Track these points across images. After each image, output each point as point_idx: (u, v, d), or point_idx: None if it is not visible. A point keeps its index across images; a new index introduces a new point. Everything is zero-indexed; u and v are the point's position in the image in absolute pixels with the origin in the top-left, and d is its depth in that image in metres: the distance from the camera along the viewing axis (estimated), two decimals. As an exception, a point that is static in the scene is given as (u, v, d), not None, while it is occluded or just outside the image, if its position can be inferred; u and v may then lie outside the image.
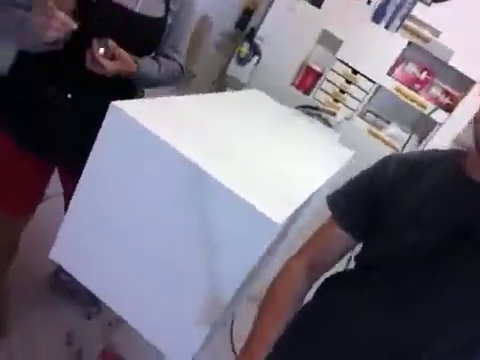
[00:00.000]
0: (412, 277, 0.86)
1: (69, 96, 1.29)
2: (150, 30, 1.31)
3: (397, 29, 1.45)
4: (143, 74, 1.28)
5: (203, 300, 1.02)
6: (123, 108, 1.02)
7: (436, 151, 0.98)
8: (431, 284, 0.84)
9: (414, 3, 1.44)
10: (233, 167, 1.07)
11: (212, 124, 1.24)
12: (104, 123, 1.03)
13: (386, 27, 1.39)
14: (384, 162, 0.97)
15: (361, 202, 0.95)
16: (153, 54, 1.37)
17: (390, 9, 1.29)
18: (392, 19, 1.36)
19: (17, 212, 1.45)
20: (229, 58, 2.60)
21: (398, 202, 0.90)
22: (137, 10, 1.24)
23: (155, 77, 1.35)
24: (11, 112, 1.30)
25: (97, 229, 1.15)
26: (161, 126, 1.03)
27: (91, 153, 1.08)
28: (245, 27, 2.52)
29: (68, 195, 1.32)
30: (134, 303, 1.12)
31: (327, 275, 1.03)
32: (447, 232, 0.82)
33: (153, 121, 1.03)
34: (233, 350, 2.05)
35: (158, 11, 1.30)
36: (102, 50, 1.17)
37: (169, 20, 1.33)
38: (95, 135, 1.06)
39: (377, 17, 1.30)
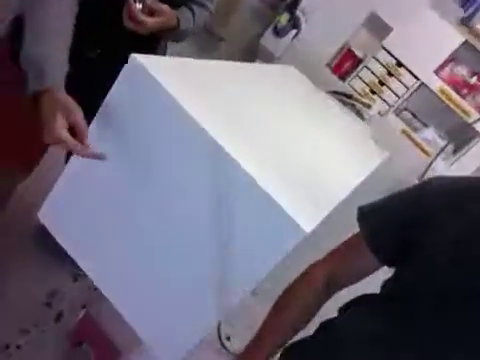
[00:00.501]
0: (432, 320, 0.76)
1: (98, 51, 1.16)
2: None
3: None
4: (182, 28, 1.13)
5: (206, 298, 0.89)
6: (143, 63, 0.87)
7: None
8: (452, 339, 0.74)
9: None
10: (259, 154, 0.92)
11: (239, 98, 1.08)
12: (120, 75, 0.88)
13: (469, 18, 1.21)
14: (425, 187, 0.86)
15: (393, 226, 0.84)
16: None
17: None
18: (476, 11, 1.17)
19: (20, 168, 1.34)
20: (264, 28, 2.40)
21: (436, 233, 0.79)
22: None
23: (189, 30, 1.19)
24: None
25: (95, 194, 1.01)
26: (182, 90, 0.87)
27: (102, 106, 0.93)
28: (288, -4, 2.31)
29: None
30: (125, 288, 0.99)
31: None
32: None
33: (174, 83, 0.87)
34: (220, 338, 1.96)
35: None
36: (139, 6, 1.02)
37: None
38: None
39: (465, 5, 1.12)
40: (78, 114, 0.87)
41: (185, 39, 1.28)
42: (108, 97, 0.91)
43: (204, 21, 1.27)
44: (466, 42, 1.95)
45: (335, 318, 0.92)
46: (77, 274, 1.82)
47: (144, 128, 0.89)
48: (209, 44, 2.29)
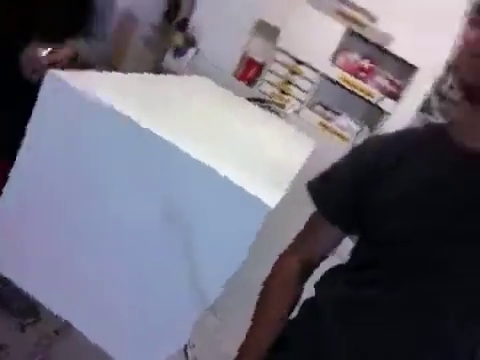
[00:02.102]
0: (406, 273, 0.77)
1: None
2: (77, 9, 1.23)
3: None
4: (81, 59, 1.20)
5: (178, 302, 0.81)
6: (62, 77, 0.82)
7: (415, 129, 0.92)
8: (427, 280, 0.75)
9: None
10: (203, 143, 0.87)
11: (165, 100, 1.04)
12: (40, 95, 0.84)
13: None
14: (366, 146, 0.88)
15: (345, 192, 0.84)
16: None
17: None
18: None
19: None
20: (162, 52, 2.37)
21: (388, 188, 0.80)
22: None
23: (91, 61, 1.28)
24: None
25: (37, 219, 0.91)
26: (107, 95, 0.82)
27: (27, 130, 0.87)
28: (175, 18, 2.31)
29: None
30: (86, 308, 0.89)
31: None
32: (446, 217, 0.74)
33: (97, 90, 0.83)
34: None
35: None
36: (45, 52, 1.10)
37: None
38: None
39: None
40: None
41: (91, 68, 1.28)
42: (31, 122, 0.85)
43: (105, 55, 1.38)
44: (349, 30, 2.09)
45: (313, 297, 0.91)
46: (25, 323, 1.63)
47: (77, 141, 0.83)
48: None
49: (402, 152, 0.81)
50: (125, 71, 2.35)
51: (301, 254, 0.89)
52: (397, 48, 2.07)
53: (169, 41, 2.25)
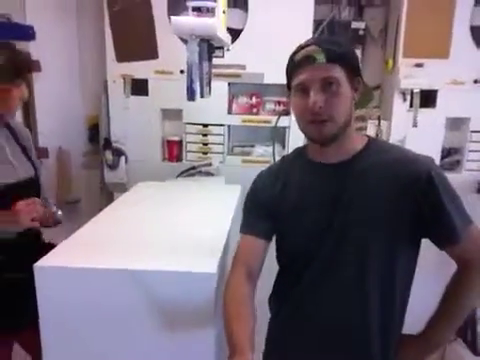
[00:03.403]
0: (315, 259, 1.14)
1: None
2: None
3: (210, 92, 1.80)
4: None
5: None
6: (48, 264, 1.14)
7: (292, 152, 1.32)
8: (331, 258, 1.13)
9: (211, 66, 1.80)
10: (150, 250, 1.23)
11: (121, 232, 1.44)
12: (37, 288, 1.12)
13: (202, 96, 1.71)
14: (255, 181, 1.28)
15: (257, 215, 1.22)
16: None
17: (196, 82, 1.61)
18: (203, 88, 1.68)
19: None
20: (100, 171, 2.80)
21: (281, 204, 1.18)
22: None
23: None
24: None
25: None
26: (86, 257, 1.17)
27: (40, 320, 1.15)
28: (98, 140, 2.76)
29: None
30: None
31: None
32: (321, 206, 1.12)
33: (77, 258, 1.17)
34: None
35: (30, 170, 1.61)
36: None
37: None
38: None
39: (191, 95, 1.61)
40: None
41: None
42: (40, 311, 1.13)
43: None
44: (229, 83, 2.61)
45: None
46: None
47: (87, 308, 1.14)
48: (70, 212, 2.61)
49: (283, 175, 1.20)
50: (79, 198, 2.74)
51: (241, 267, 1.17)
52: (269, 79, 2.59)
53: (101, 160, 2.69)
